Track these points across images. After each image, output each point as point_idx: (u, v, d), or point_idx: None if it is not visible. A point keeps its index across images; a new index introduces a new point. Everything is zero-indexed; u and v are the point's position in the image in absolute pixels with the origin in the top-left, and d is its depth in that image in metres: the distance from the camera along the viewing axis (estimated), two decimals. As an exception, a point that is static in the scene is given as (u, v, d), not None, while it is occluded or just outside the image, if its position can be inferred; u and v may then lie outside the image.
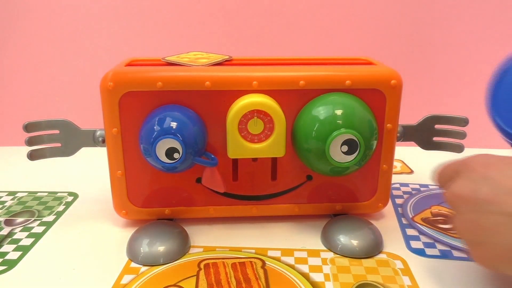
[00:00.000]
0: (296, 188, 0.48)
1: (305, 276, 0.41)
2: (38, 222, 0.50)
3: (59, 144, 0.48)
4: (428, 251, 0.45)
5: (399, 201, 0.56)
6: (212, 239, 0.47)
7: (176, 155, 0.41)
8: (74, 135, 0.48)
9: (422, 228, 0.50)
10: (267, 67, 0.47)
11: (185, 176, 0.46)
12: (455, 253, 0.45)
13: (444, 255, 0.44)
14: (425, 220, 0.51)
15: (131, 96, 0.43)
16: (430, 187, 0.60)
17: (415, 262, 0.43)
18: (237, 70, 0.45)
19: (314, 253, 0.45)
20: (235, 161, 0.47)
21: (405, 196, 0.58)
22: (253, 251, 0.45)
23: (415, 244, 0.46)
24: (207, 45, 0.72)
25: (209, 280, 0.40)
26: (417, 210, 0.54)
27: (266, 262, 0.43)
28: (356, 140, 0.41)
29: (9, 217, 0.52)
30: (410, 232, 0.49)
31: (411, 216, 0.52)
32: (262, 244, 0.46)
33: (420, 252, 0.45)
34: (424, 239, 0.47)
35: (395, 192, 0.59)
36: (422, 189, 0.60)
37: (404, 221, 0.51)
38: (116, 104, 0.43)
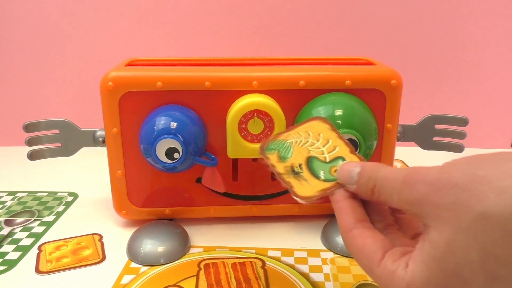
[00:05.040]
0: (296, 188, 0.48)
1: (305, 276, 0.41)
2: (38, 222, 0.50)
3: (59, 144, 0.48)
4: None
5: None
6: (212, 239, 0.47)
7: (176, 155, 0.41)
8: (74, 135, 0.48)
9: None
10: (267, 67, 0.46)
11: (185, 176, 0.46)
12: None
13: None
14: None
15: (131, 96, 0.43)
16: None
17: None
18: (237, 70, 0.45)
19: (314, 253, 0.45)
20: (235, 161, 0.47)
21: None
22: (253, 251, 0.45)
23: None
24: (207, 45, 0.72)
25: (209, 280, 0.40)
26: None
27: (266, 262, 0.43)
28: (356, 140, 0.41)
29: (9, 217, 0.52)
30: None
31: None
32: (262, 244, 0.46)
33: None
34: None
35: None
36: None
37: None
38: (116, 104, 0.43)
